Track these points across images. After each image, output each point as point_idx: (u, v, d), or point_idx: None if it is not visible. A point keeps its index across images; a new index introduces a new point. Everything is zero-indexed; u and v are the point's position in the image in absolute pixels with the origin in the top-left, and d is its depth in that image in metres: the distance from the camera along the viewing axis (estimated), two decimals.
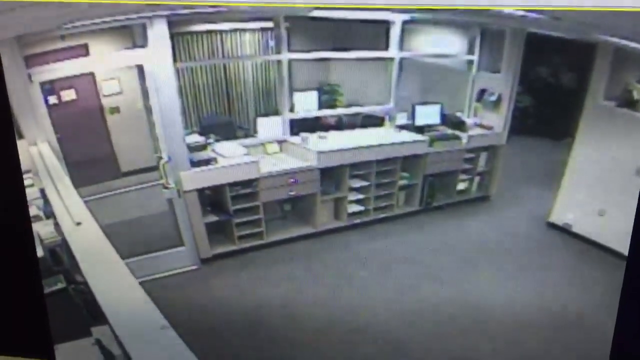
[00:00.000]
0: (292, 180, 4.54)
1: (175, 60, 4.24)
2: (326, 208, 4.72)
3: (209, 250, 4.48)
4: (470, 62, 4.80)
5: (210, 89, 4.71)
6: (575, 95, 4.26)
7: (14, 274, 3.36)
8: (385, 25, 4.66)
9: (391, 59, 4.75)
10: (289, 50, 4.59)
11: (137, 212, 4.37)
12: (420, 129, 4.80)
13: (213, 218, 4.49)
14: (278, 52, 4.61)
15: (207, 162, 4.41)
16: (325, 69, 4.81)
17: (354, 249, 4.53)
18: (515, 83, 4.60)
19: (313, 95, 4.79)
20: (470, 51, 4.77)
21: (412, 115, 4.82)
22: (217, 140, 4.61)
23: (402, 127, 4.84)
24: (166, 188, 4.31)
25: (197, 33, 4.53)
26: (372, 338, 3.89)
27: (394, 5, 2.86)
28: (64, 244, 3.54)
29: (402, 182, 4.78)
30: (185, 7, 3.81)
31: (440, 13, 3.87)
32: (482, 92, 4.80)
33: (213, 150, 4.54)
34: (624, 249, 3.27)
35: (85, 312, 3.20)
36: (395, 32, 4.66)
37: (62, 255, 3.55)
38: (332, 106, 4.85)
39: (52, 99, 4.27)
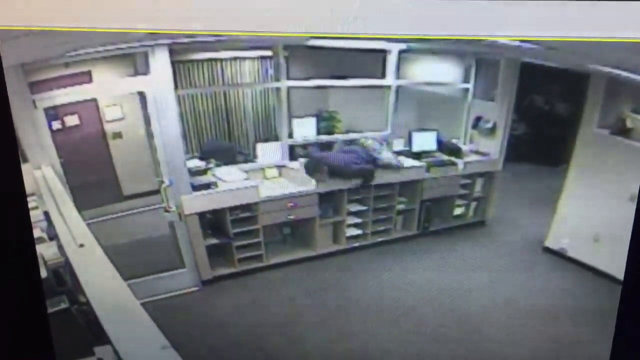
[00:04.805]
0: (291, 204, 4.56)
1: (176, 87, 4.30)
2: (325, 232, 4.73)
3: (210, 272, 4.48)
4: (466, 90, 4.88)
5: (210, 115, 4.76)
6: (570, 123, 4.32)
7: (18, 294, 3.36)
8: (382, 54, 4.74)
9: (388, 87, 4.82)
10: (288, 78, 4.65)
11: (139, 235, 4.39)
12: (417, 155, 4.85)
13: (214, 241, 4.50)
14: (277, 79, 4.67)
15: (207, 186, 4.44)
16: (323, 96, 4.87)
17: (353, 272, 4.53)
18: (510, 111, 4.66)
19: (311, 122, 4.85)
20: (466, 79, 4.86)
21: (409, 142, 4.88)
22: (217, 165, 4.65)
23: (399, 153, 4.89)
24: (167, 211, 4.34)
25: (198, 61, 4.61)
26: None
27: (390, 35, 2.91)
28: (67, 265, 3.54)
29: (399, 207, 4.81)
30: (186, 35, 3.86)
31: (436, 42, 3.93)
32: (478, 119, 4.86)
33: (213, 175, 4.58)
34: (619, 274, 3.29)
35: (88, 332, 3.19)
36: (391, 61, 4.74)
37: (65, 276, 3.55)
38: (330, 132, 4.91)
39: (56, 124, 4.32)
